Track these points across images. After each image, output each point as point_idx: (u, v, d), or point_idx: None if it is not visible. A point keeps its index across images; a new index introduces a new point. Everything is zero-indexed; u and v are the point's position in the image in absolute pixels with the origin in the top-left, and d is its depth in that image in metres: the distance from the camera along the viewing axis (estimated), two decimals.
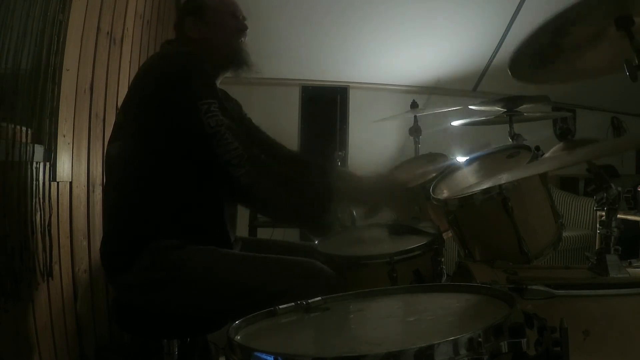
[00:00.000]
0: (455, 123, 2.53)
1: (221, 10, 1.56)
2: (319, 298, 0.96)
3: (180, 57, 1.40)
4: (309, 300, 0.94)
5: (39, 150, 1.50)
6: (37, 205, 1.48)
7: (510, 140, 2.14)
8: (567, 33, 1.16)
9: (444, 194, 1.62)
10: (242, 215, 1.79)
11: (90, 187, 1.92)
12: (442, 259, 1.51)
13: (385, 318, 0.91)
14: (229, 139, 1.30)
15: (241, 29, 1.58)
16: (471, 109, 2.50)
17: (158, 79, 1.37)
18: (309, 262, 1.36)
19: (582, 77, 1.38)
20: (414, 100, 2.55)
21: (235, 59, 1.56)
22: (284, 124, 3.51)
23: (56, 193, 1.65)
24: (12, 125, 1.37)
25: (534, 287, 1.05)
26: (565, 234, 1.55)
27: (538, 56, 1.24)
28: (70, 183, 1.76)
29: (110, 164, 1.47)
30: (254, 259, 1.38)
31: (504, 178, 1.22)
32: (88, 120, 1.90)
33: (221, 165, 1.29)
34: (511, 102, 2.23)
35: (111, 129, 1.51)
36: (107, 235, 1.44)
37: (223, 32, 1.55)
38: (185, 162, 1.34)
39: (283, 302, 0.94)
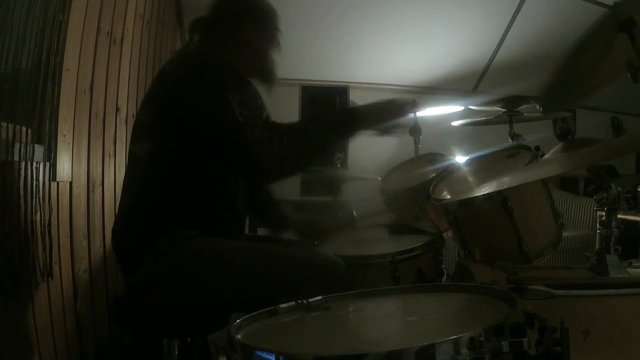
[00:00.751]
0: (455, 123, 2.53)
1: (276, 24, 1.59)
2: (320, 297, 0.96)
3: (213, 58, 1.42)
4: (310, 300, 0.95)
5: (39, 150, 1.50)
6: (37, 205, 1.48)
7: (510, 140, 2.14)
8: (583, 57, 1.17)
9: (444, 194, 1.63)
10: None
11: (90, 187, 1.92)
12: (442, 258, 1.52)
13: (386, 318, 0.91)
14: (259, 125, 1.34)
15: (279, 49, 1.61)
16: (471, 109, 2.50)
17: (190, 76, 1.38)
18: (319, 252, 1.38)
19: (598, 89, 1.38)
20: (414, 100, 2.55)
21: (271, 75, 1.60)
22: None
23: (56, 193, 1.65)
24: (12, 125, 1.37)
25: (534, 287, 1.05)
26: (565, 234, 1.55)
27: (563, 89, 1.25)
28: (70, 183, 1.76)
29: (136, 163, 1.47)
30: (266, 249, 1.40)
31: (506, 182, 1.22)
32: (88, 120, 1.89)
33: (249, 152, 1.32)
34: (511, 102, 2.24)
35: (111, 129, 1.51)
36: (122, 229, 1.44)
37: (272, 47, 1.59)
38: (203, 156, 1.37)
39: (293, 293, 0.95)
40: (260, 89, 1.53)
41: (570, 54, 1.13)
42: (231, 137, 1.34)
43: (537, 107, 1.30)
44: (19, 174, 1.42)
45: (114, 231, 1.47)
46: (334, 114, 1.41)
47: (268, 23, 1.58)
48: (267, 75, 1.59)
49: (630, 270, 1.24)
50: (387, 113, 1.52)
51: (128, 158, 1.54)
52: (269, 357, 0.69)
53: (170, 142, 1.38)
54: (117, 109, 2.15)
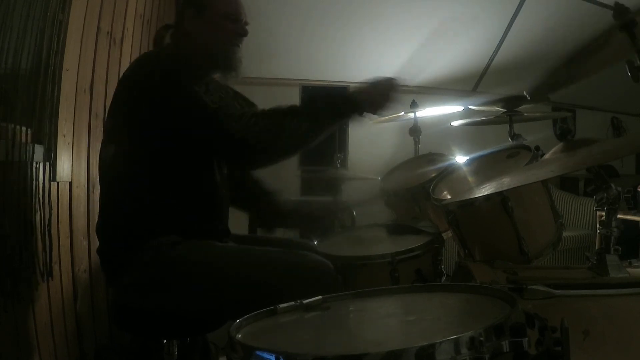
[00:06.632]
0: (455, 123, 2.53)
1: (223, 10, 1.52)
2: (319, 297, 0.96)
3: (167, 59, 1.43)
4: (310, 300, 0.94)
5: (39, 150, 1.50)
6: (37, 205, 1.48)
7: (510, 140, 2.14)
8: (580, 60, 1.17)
9: (444, 194, 1.62)
10: (243, 215, 1.79)
11: (90, 187, 1.92)
12: (442, 258, 1.51)
13: (386, 317, 0.91)
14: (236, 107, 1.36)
15: (240, 34, 1.53)
16: (471, 109, 2.50)
17: (147, 80, 1.38)
18: (308, 255, 1.37)
19: (584, 77, 1.38)
20: (414, 100, 2.55)
21: (225, 63, 1.53)
22: None
23: (56, 193, 1.65)
24: (12, 125, 1.37)
25: (534, 287, 1.05)
26: (565, 234, 1.55)
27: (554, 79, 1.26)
28: (70, 183, 1.76)
29: (104, 167, 1.49)
30: (253, 253, 1.40)
31: (506, 183, 1.22)
32: (88, 120, 1.89)
33: (228, 136, 1.32)
34: (511, 102, 2.23)
35: None
36: (105, 236, 1.44)
37: (219, 34, 1.51)
38: (181, 158, 1.36)
39: (283, 296, 0.94)
40: (251, 94, 1.54)
41: (569, 57, 1.14)
42: (208, 126, 1.32)
43: (525, 94, 1.31)
44: (19, 174, 1.42)
45: (98, 234, 1.47)
46: (328, 99, 1.41)
47: (210, 11, 1.50)
48: (224, 65, 1.53)
49: (630, 270, 1.24)
50: (382, 97, 1.56)
51: (99, 165, 1.53)
52: (269, 356, 0.69)
53: (139, 145, 1.37)
54: None
